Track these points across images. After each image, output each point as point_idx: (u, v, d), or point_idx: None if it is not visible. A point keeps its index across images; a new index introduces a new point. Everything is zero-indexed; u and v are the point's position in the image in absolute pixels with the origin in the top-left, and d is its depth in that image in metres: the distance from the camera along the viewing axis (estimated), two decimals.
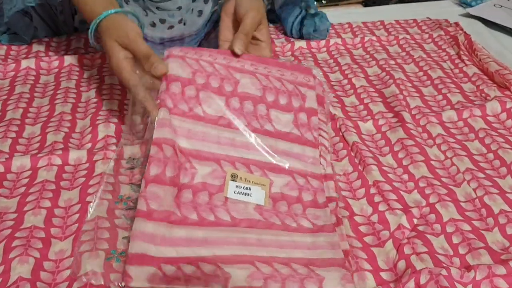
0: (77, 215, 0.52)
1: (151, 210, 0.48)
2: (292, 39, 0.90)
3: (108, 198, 0.54)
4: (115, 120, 0.66)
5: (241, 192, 0.54)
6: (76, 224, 0.51)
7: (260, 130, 0.58)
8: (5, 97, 0.71)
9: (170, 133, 0.54)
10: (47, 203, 0.53)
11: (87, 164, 0.59)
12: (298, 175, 0.56)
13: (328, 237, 0.50)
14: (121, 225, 0.51)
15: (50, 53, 0.83)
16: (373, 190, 0.56)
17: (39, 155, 0.59)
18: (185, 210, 0.51)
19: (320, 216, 0.53)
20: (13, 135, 0.63)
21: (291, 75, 0.64)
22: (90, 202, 0.53)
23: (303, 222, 0.52)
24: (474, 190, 0.57)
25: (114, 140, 0.63)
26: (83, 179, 0.57)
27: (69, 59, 0.79)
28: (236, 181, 0.54)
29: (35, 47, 0.84)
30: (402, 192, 0.56)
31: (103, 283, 0.45)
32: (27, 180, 0.56)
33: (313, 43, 0.87)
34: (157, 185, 0.50)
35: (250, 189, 0.54)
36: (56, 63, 0.78)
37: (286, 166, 0.57)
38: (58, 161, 0.59)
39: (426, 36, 0.91)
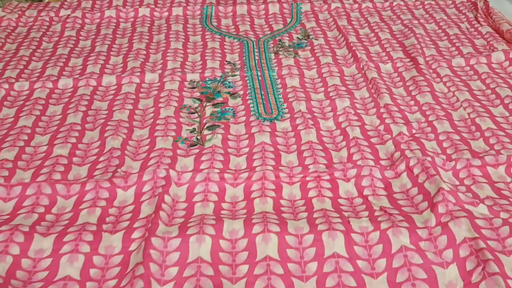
0: (152, 114, 0.69)
1: None
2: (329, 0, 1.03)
3: (174, 106, 0.71)
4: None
5: None
6: (149, 125, 0.68)
7: None
8: (93, 37, 0.90)
9: None
10: (129, 107, 0.70)
11: (159, 84, 0.76)
12: None
13: None
14: (185, 122, 0.67)
15: (127, 6, 1.00)
16: (382, 110, 0.70)
17: (123, 75, 0.77)
18: None
19: None
20: (102, 62, 0.81)
21: None
22: (162, 107, 0.70)
23: None
24: (469, 114, 0.69)
25: (179, 69, 0.79)
26: (156, 92, 0.74)
27: (142, 11, 0.97)
28: None
29: (115, 2, 1.02)
30: (406, 112, 0.69)
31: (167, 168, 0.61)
32: (113, 91, 0.74)
33: (347, 5, 1.00)
34: None
35: None
36: (132, 14, 0.96)
37: None
38: (137, 80, 0.76)
39: (450, 2, 1.02)
